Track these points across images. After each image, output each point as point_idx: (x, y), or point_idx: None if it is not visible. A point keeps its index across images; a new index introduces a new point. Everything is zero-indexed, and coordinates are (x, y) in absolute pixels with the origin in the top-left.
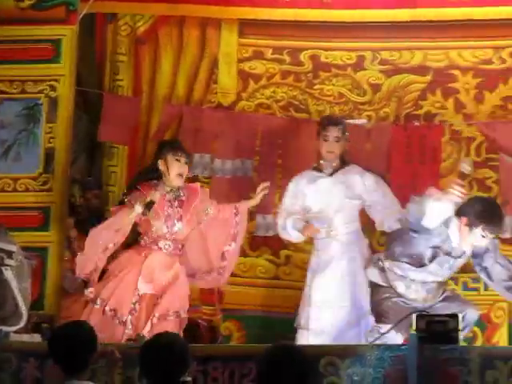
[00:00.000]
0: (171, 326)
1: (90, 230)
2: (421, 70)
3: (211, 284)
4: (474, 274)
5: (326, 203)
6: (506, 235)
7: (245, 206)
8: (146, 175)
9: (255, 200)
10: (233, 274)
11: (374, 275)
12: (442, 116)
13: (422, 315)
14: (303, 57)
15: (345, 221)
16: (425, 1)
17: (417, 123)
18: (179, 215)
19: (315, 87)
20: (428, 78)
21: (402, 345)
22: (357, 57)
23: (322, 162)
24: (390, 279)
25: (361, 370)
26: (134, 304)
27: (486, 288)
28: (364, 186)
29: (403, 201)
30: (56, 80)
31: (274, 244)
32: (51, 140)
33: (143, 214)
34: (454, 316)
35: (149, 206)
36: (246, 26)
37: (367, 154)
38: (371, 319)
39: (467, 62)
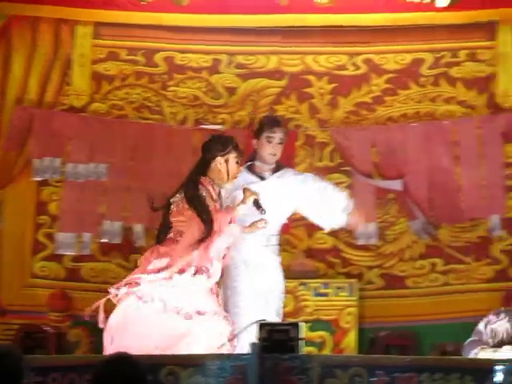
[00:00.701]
0: None
1: None
2: (276, 74)
3: None
4: (324, 280)
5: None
6: (360, 242)
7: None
8: (198, 172)
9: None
10: (82, 280)
11: None
12: (297, 120)
13: (264, 324)
14: (158, 58)
15: (269, 231)
16: (280, 7)
17: None
18: None
19: (169, 89)
20: (283, 82)
21: (244, 354)
22: (213, 60)
23: (257, 163)
24: None
25: (202, 379)
26: None
27: (336, 294)
28: (301, 190)
29: None
30: None
31: (124, 249)
32: None
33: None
34: (295, 325)
35: (256, 204)
36: (101, 27)
37: None
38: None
39: (322, 68)
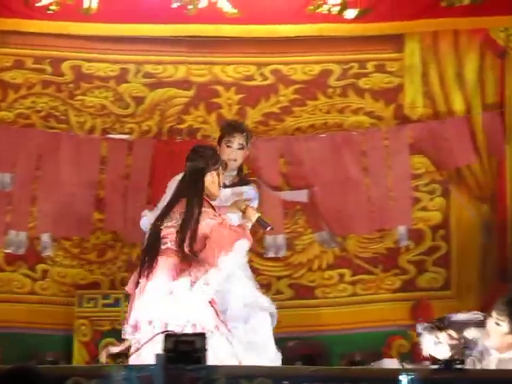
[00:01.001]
0: None
1: None
2: (184, 84)
3: None
4: None
5: None
6: (270, 255)
7: None
8: (200, 188)
9: None
10: None
11: None
12: (205, 131)
13: (170, 335)
14: (65, 67)
15: None
16: (189, 17)
17: (179, 138)
18: None
19: (76, 98)
20: (191, 92)
21: (150, 365)
22: (120, 69)
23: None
24: None
25: None
26: None
27: None
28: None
29: None
30: None
31: (31, 258)
32: None
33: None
34: (201, 335)
35: (261, 222)
36: (7, 36)
37: (128, 167)
38: None
39: (230, 78)
